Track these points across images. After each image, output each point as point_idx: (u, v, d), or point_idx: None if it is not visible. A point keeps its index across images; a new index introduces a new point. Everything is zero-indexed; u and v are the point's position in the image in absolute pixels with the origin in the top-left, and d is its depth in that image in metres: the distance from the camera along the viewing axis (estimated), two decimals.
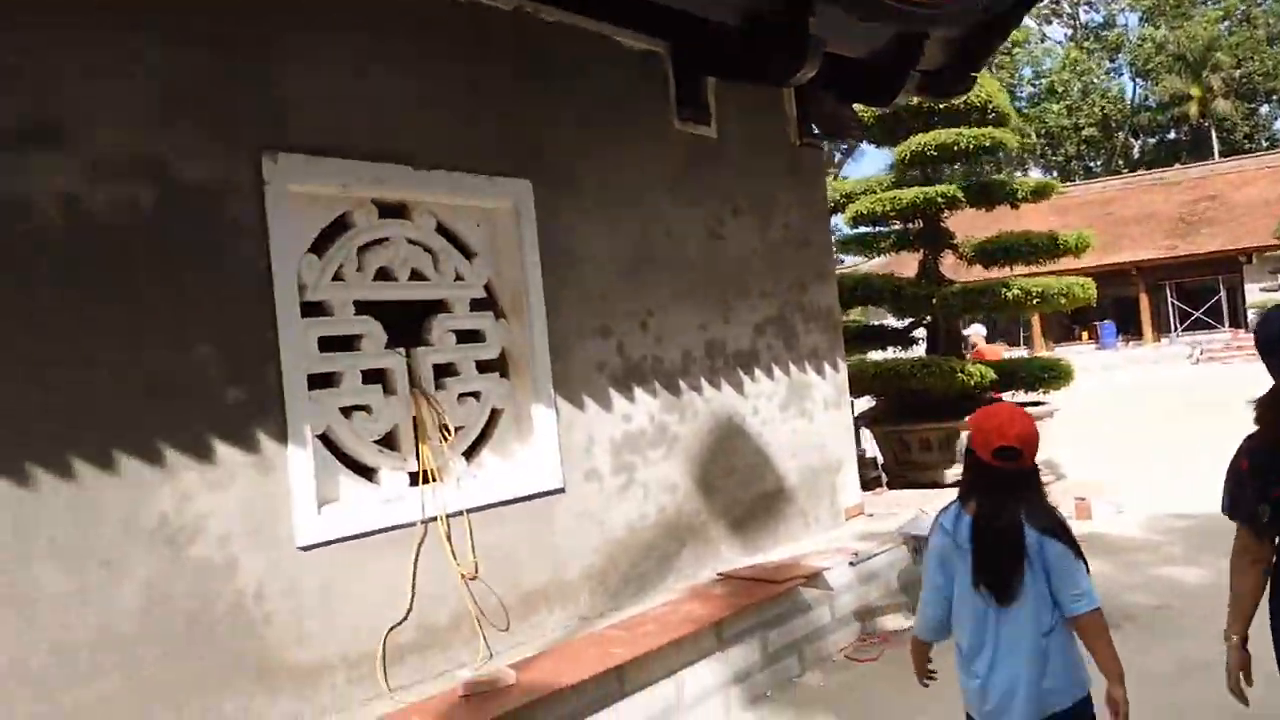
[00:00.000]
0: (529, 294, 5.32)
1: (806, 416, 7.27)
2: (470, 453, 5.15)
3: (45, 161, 3.66)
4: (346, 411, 4.60)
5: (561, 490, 5.40)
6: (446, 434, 4.91)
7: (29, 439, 3.50)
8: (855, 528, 7.31)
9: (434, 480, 4.80)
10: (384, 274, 4.84)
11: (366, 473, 4.69)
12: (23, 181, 3.60)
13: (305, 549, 4.24)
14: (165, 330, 3.89)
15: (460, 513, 4.86)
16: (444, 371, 5.08)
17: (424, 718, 4.08)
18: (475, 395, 5.17)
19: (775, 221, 7.18)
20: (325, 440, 4.52)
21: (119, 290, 3.79)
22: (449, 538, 4.81)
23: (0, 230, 3.53)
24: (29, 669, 3.44)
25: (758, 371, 6.86)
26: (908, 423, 9.77)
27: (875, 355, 10.61)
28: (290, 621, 4.17)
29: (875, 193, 11.07)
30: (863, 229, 11.41)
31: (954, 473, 9.06)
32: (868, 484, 8.96)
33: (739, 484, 6.59)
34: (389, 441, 4.79)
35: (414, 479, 4.79)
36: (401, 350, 4.86)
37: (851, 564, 6.28)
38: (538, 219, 5.40)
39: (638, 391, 5.93)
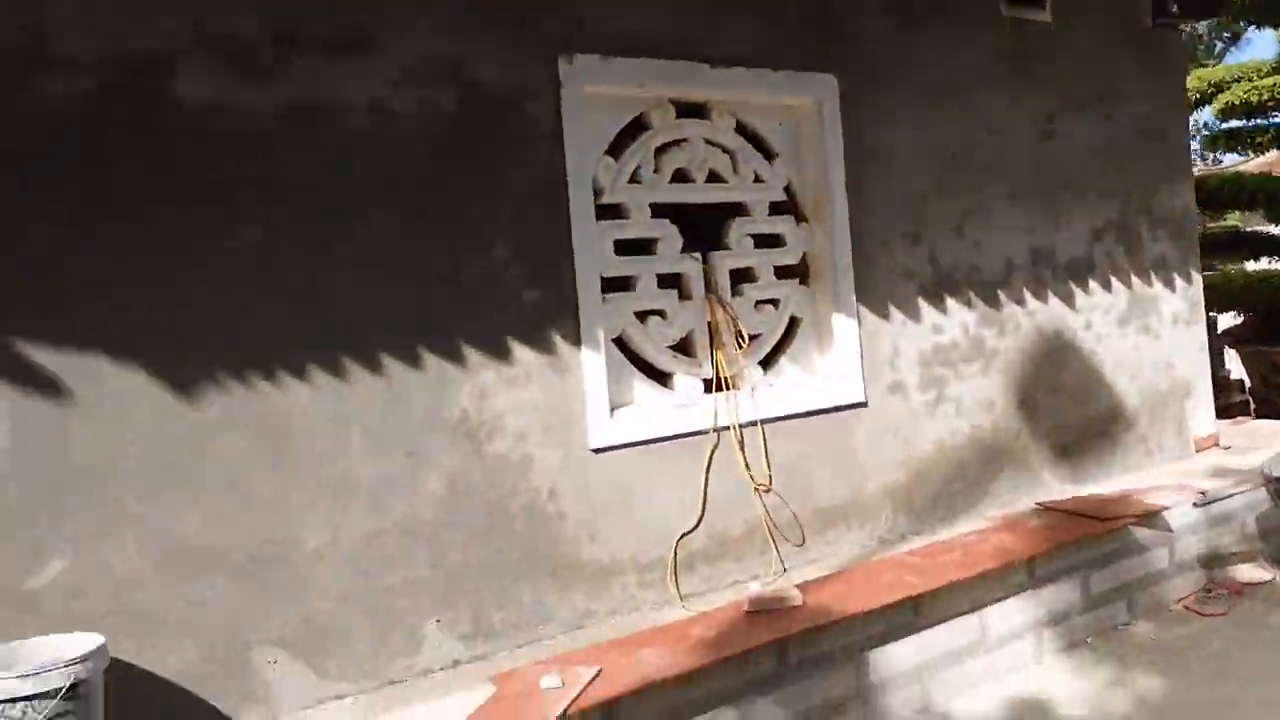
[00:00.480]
0: (832, 197, 5.01)
1: (1150, 333, 6.46)
2: (767, 362, 4.98)
3: (360, 67, 3.81)
4: (641, 316, 4.56)
5: (863, 404, 5.12)
6: (742, 341, 4.76)
7: (347, 335, 3.72)
8: (1206, 461, 6.46)
9: (728, 388, 4.68)
10: (681, 176, 4.72)
11: (661, 378, 4.65)
12: (342, 88, 3.77)
13: (598, 451, 4.28)
14: (465, 233, 3.99)
15: (754, 422, 4.72)
16: (741, 277, 4.92)
17: (708, 629, 4.03)
18: (773, 302, 4.97)
19: (1120, 115, 6.34)
20: (620, 344, 4.51)
21: (424, 195, 3.92)
22: (742, 447, 4.69)
23: (320, 134, 3.72)
24: (342, 549, 3.70)
25: (1092, 282, 6.16)
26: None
27: (1249, 265, 9.29)
28: (582, 520, 4.24)
29: (1251, 80, 9.58)
30: (1235, 123, 9.95)
31: None
32: (1229, 410, 7.93)
33: (1066, 406, 5.99)
34: (683, 348, 4.72)
35: (708, 386, 4.70)
36: (697, 255, 4.75)
37: (1197, 505, 5.54)
38: (843, 116, 5.05)
39: (950, 302, 5.49)
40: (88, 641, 2.98)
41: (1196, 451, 6.70)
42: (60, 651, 2.94)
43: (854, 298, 5.08)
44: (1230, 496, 5.65)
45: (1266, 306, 8.67)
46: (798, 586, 4.43)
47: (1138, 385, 6.38)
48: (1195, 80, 9.96)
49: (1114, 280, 6.27)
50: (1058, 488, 5.93)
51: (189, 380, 3.45)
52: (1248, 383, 9.22)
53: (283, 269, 3.62)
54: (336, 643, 3.68)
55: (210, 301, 3.48)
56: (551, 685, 3.50)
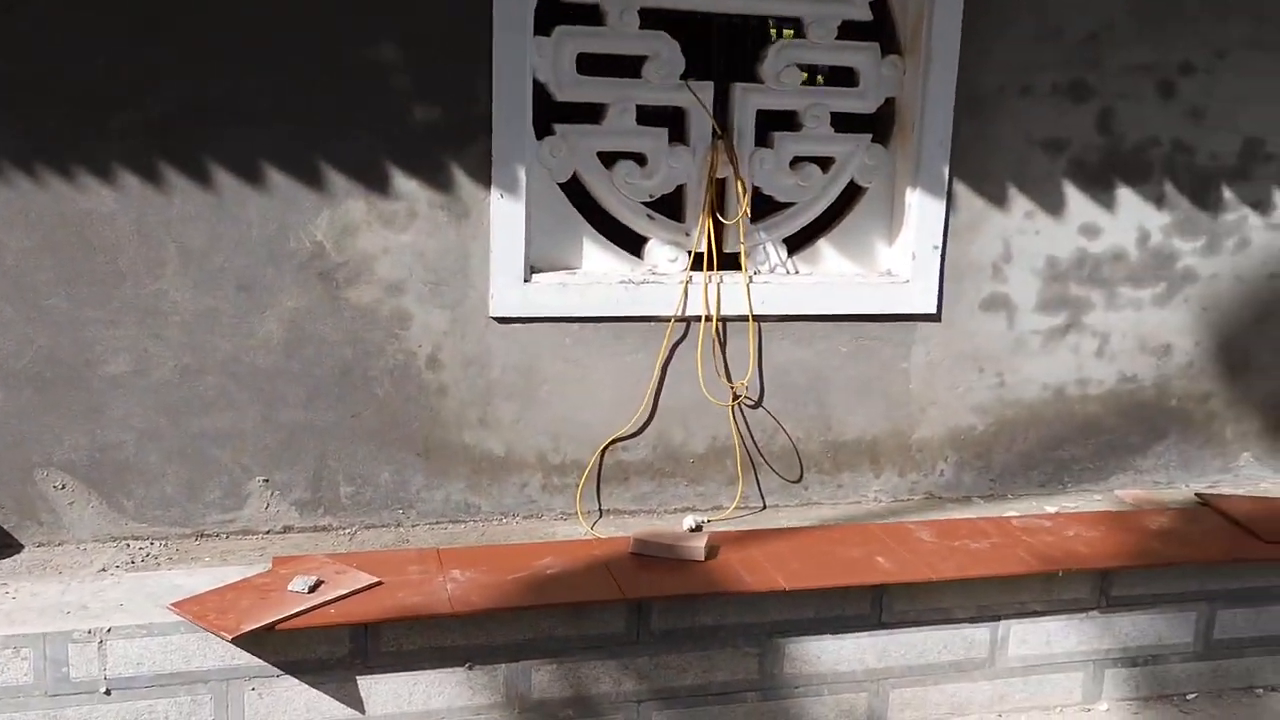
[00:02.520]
0: (931, 15, 3.54)
1: None
2: (798, 242, 3.75)
3: None
4: (609, 159, 3.52)
5: (933, 316, 3.76)
6: (746, 210, 3.58)
7: (164, 131, 3.10)
8: None
9: (716, 268, 3.57)
10: None
11: (632, 244, 3.63)
12: None
13: (503, 320, 3.42)
14: (344, 13, 3.15)
15: (748, 317, 3.59)
16: (779, 123, 3.66)
17: (574, 560, 3.18)
18: (823, 162, 3.68)
19: None
20: (571, 190, 3.53)
21: None
22: (723, 345, 3.62)
23: None
24: (149, 382, 3.23)
25: None
26: None
27: None
28: (471, 399, 3.46)
29: None
30: None
31: None
32: None
33: None
34: (672, 209, 3.63)
35: (700, 262, 3.61)
36: (709, 84, 3.56)
37: None
38: None
39: (1124, 193, 3.83)
40: None
41: None
42: None
43: (945, 168, 3.65)
44: None
45: None
46: (736, 534, 3.42)
47: None
48: None
49: None
50: (1263, 477, 4.18)
51: None
52: None
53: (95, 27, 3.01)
54: (137, 480, 3.28)
55: None
56: (297, 588, 2.91)
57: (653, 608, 3.06)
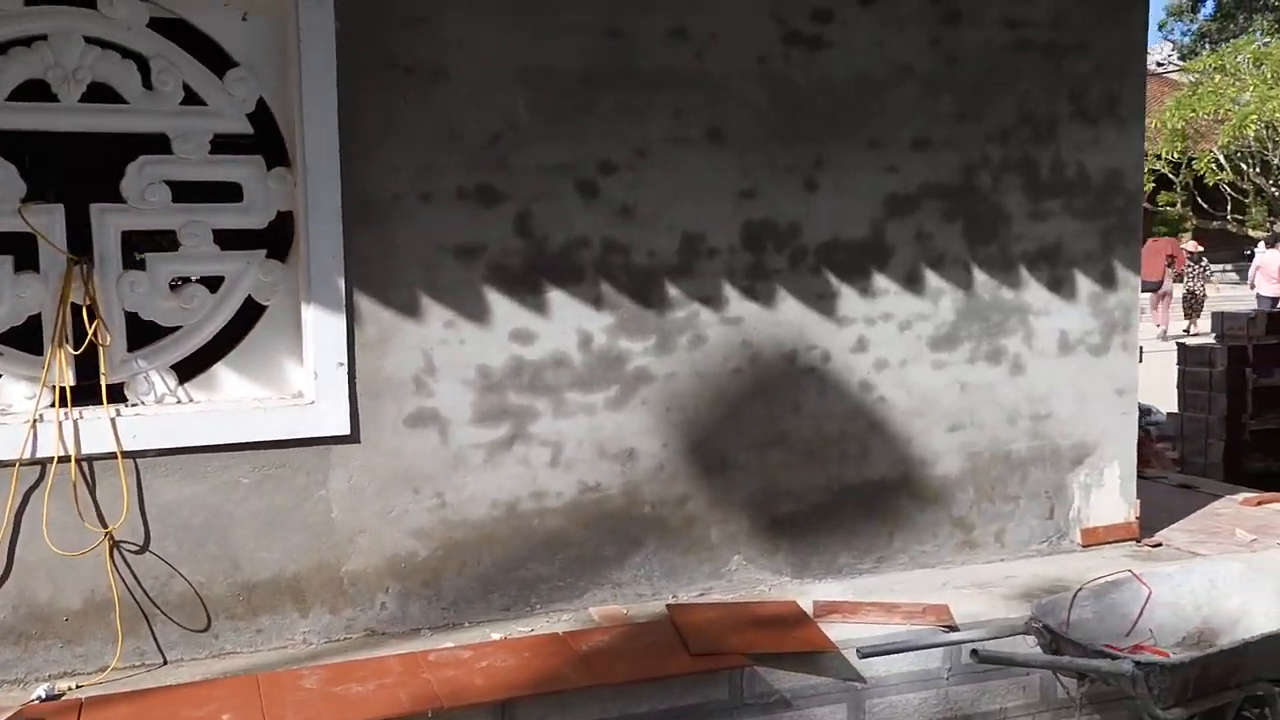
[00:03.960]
0: (303, 122, 3.36)
1: (1004, 362, 4.17)
2: (195, 366, 3.47)
3: None
4: None
5: (350, 438, 3.49)
6: (105, 336, 3.29)
7: None
8: (1079, 565, 4.09)
9: (68, 402, 3.26)
10: (40, 91, 3.27)
11: None
12: None
13: None
14: None
15: (131, 453, 3.27)
16: (155, 244, 3.42)
17: None
18: (213, 282, 3.43)
19: (982, 12, 4.03)
20: None
21: None
22: (91, 486, 3.28)
23: None
24: None
25: (881, 278, 3.99)
26: None
27: None
28: None
29: None
30: None
31: None
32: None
33: (798, 463, 3.95)
34: (22, 338, 3.33)
35: (69, 396, 3.29)
36: (59, 206, 3.30)
37: (923, 645, 3.39)
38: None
39: (556, 296, 3.65)
40: None
41: (1085, 546, 4.35)
42: None
43: (340, 280, 3.43)
44: (962, 635, 3.40)
45: None
46: (85, 701, 3.03)
47: (963, 441, 4.15)
48: None
49: (932, 276, 4.06)
50: (763, 580, 3.96)
51: None
52: None
53: None
54: None
55: None
56: None
57: None
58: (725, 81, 3.76)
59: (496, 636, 3.54)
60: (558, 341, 3.67)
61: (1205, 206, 19.77)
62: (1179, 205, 20.20)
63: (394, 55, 3.44)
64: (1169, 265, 16.01)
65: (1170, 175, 18.95)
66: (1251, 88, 17.22)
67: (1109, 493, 4.37)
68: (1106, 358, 4.33)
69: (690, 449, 3.84)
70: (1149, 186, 19.22)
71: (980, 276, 4.11)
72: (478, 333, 3.59)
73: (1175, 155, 18.28)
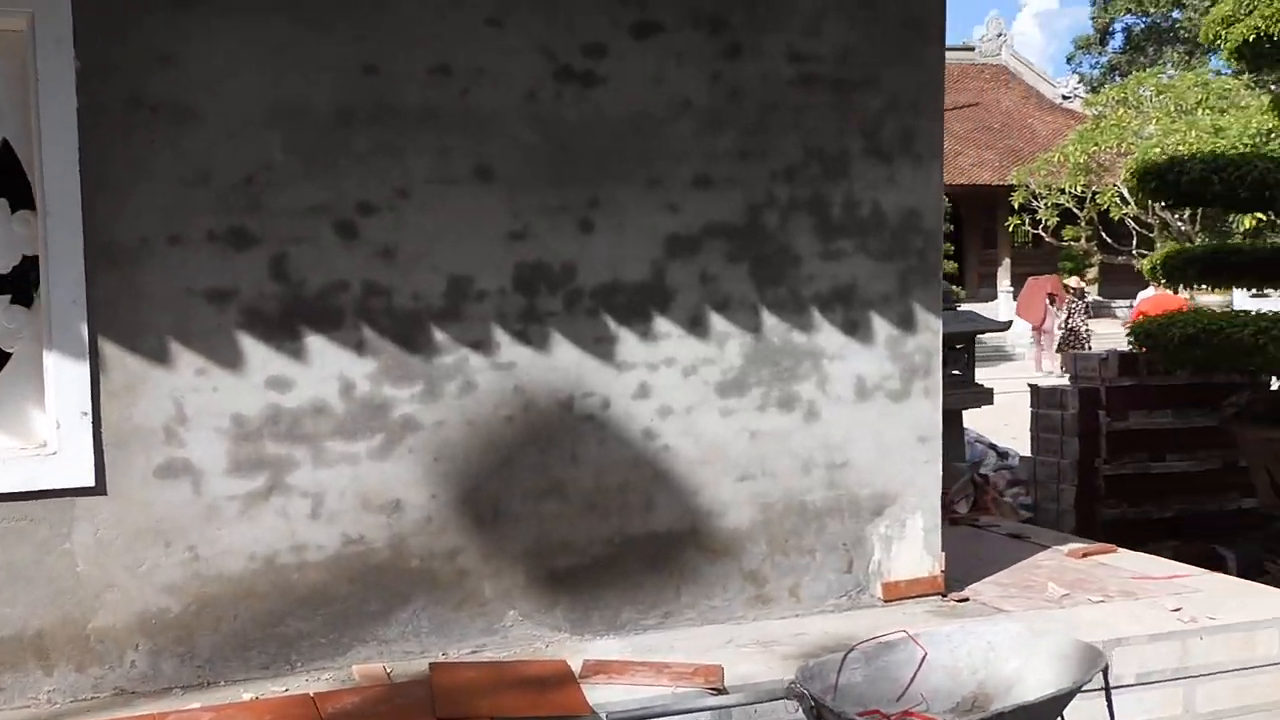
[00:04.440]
0: (43, 164, 3.29)
1: (797, 409, 4.14)
2: None
3: None
4: None
5: (96, 490, 3.38)
6: None
7: None
8: (871, 622, 4.03)
9: None
10: None
11: None
12: None
13: None
14: None
15: None
16: None
17: None
18: None
19: (764, 46, 4.02)
20: None
21: None
22: None
23: None
24: None
25: (662, 321, 3.95)
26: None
27: (1212, 299, 6.33)
28: None
29: None
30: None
31: None
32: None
33: (576, 514, 3.88)
34: None
35: None
36: None
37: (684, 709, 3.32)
38: (100, 37, 3.31)
39: (315, 342, 3.58)
40: None
41: (886, 601, 4.30)
42: None
43: (83, 326, 3.34)
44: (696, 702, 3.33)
45: (1236, 369, 5.73)
46: None
47: (754, 491, 4.09)
48: None
49: (717, 319, 4.03)
50: (540, 637, 3.88)
51: None
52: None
53: None
54: None
55: None
56: None
57: None
58: (493, 119, 3.72)
59: (248, 696, 3.44)
60: (317, 389, 3.59)
61: (1110, 241, 20.18)
62: (1084, 240, 20.63)
63: (139, 95, 3.38)
64: (1050, 303, 16.07)
65: (1075, 210, 19.26)
66: (1155, 120, 17.52)
67: (911, 545, 4.33)
68: (907, 404, 4.31)
69: (461, 500, 3.76)
70: (1053, 220, 19.58)
71: (769, 319, 4.09)
72: (231, 380, 3.51)
73: (1079, 189, 18.57)
